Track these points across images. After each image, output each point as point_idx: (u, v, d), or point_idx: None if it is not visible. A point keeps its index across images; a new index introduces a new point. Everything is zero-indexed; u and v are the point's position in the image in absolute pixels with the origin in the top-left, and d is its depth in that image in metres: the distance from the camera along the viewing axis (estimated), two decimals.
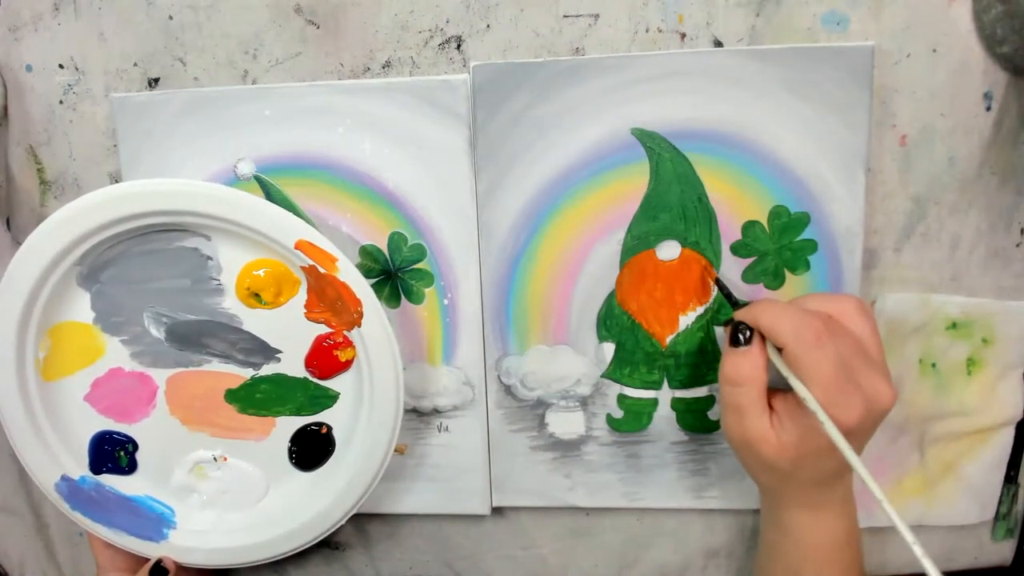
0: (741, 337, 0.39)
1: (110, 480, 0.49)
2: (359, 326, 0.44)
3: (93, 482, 0.49)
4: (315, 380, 0.47)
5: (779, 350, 0.38)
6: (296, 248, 0.43)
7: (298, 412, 0.48)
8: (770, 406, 0.39)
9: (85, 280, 0.46)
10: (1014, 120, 0.45)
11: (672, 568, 0.53)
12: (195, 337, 0.47)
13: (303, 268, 0.44)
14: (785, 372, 0.38)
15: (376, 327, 0.44)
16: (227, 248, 0.45)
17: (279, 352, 0.47)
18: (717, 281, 0.45)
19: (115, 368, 0.48)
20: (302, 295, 0.46)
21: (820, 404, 0.36)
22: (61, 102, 0.48)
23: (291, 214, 0.43)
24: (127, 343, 0.48)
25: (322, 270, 0.43)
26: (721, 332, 0.47)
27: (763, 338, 0.39)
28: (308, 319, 0.46)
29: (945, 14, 0.42)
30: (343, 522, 0.48)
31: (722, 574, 0.53)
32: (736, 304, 0.43)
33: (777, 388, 0.39)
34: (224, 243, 0.45)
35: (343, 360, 0.47)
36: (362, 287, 0.44)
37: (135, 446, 0.49)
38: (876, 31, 0.43)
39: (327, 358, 0.47)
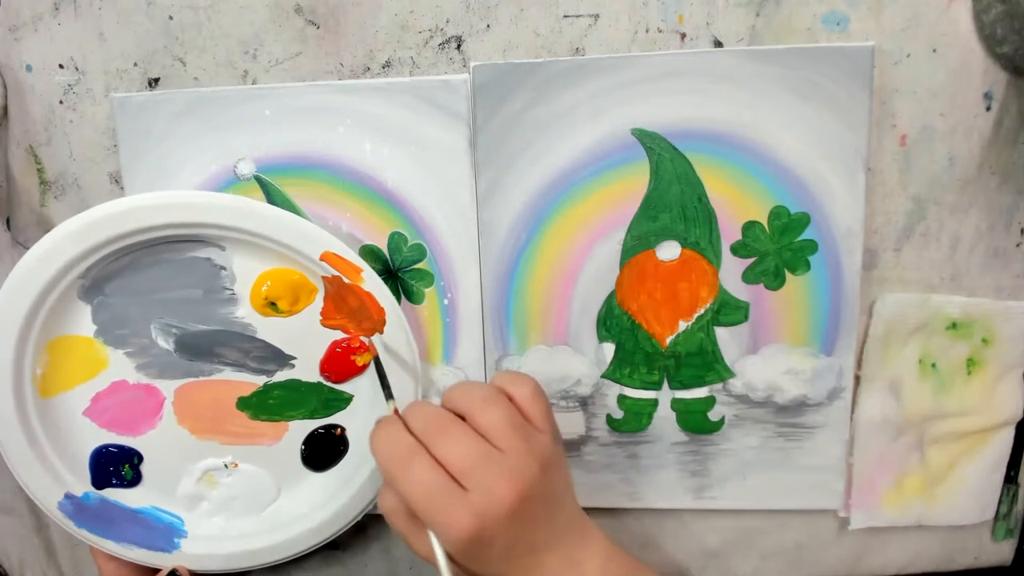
0: None
1: (115, 494, 0.49)
2: (381, 332, 0.44)
3: (97, 498, 0.48)
4: (329, 384, 0.47)
5: None
6: (322, 259, 0.43)
7: (311, 415, 0.48)
8: None
9: (86, 293, 0.45)
10: (1014, 120, 0.45)
11: (672, 568, 0.53)
12: (206, 347, 0.47)
13: (324, 278, 0.44)
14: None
15: (398, 334, 0.44)
16: (241, 258, 0.45)
17: (293, 358, 0.47)
18: (376, 362, 0.44)
19: (118, 381, 0.47)
20: (318, 303, 0.46)
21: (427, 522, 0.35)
22: (61, 102, 0.48)
23: (316, 226, 0.43)
24: (132, 355, 0.47)
25: (346, 280, 0.43)
26: (722, 333, 0.47)
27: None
28: (323, 326, 0.46)
29: (945, 14, 0.42)
30: (358, 520, 0.48)
31: (722, 574, 0.53)
32: (388, 396, 0.42)
33: None
34: (239, 253, 0.45)
35: (360, 364, 0.47)
36: (386, 296, 0.44)
37: (140, 458, 0.49)
38: (876, 31, 0.43)
39: (343, 363, 0.47)
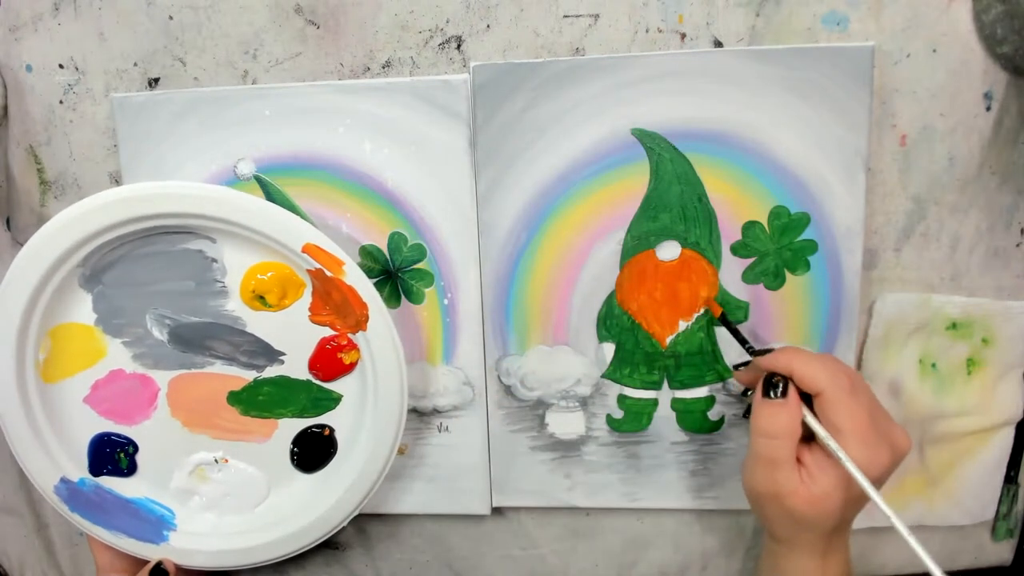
0: (776, 388, 0.39)
1: (110, 482, 0.49)
2: (364, 329, 0.44)
3: (93, 484, 0.49)
4: (318, 382, 0.47)
5: (807, 402, 0.39)
6: (303, 251, 0.43)
7: (301, 414, 0.48)
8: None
9: (87, 282, 0.46)
10: (1014, 120, 0.45)
11: (672, 568, 0.53)
12: (198, 339, 0.47)
13: (309, 271, 0.44)
14: (815, 426, 0.38)
15: (382, 330, 0.44)
16: (232, 251, 0.45)
17: (282, 354, 0.47)
18: (723, 319, 0.45)
19: (116, 370, 0.48)
20: (306, 298, 0.46)
21: (855, 454, 0.36)
22: (61, 102, 0.48)
23: (298, 217, 0.43)
24: (129, 345, 0.47)
25: (329, 273, 0.43)
26: (722, 332, 0.47)
27: (796, 390, 0.39)
28: (312, 322, 0.46)
29: (945, 14, 0.42)
30: (345, 524, 0.48)
31: (722, 574, 0.53)
32: (751, 349, 0.44)
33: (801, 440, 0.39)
34: (229, 246, 0.45)
35: (347, 363, 0.47)
36: (368, 290, 0.44)
37: (135, 448, 0.49)
38: (876, 31, 0.43)
39: (331, 361, 0.47)
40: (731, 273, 0.46)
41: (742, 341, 0.45)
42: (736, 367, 0.46)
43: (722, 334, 0.47)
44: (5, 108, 0.49)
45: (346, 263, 0.43)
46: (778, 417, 0.39)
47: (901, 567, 0.52)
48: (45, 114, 0.48)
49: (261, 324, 0.47)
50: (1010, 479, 0.51)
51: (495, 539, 0.54)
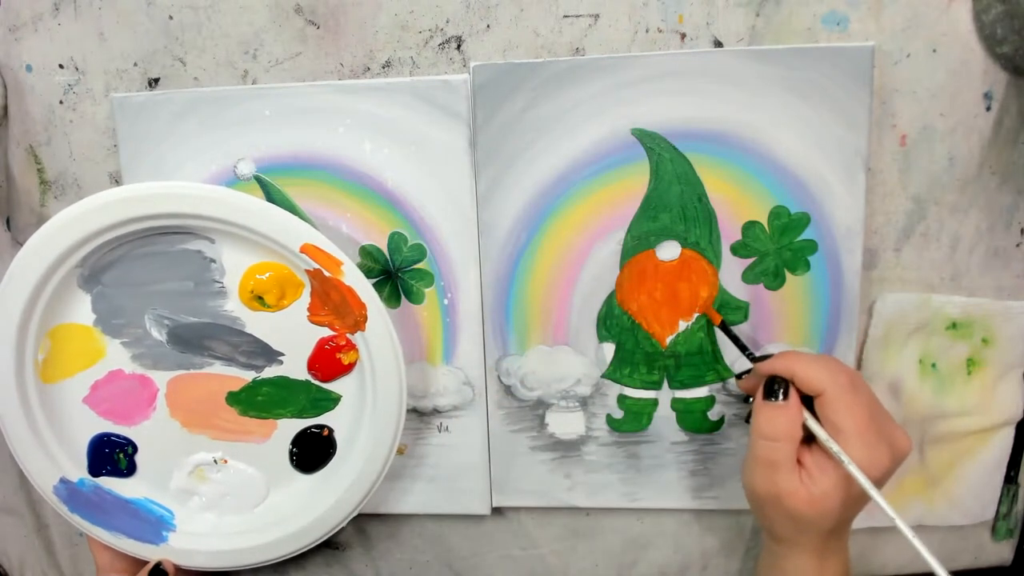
0: (777, 391, 0.39)
1: (109, 483, 0.49)
2: (363, 330, 0.44)
3: (92, 484, 0.49)
4: (317, 383, 0.47)
5: (808, 404, 0.39)
6: (301, 251, 0.43)
7: (300, 414, 0.48)
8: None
9: (86, 282, 0.46)
10: (1014, 120, 0.45)
11: (672, 568, 0.53)
12: (197, 340, 0.47)
13: (308, 271, 0.44)
14: (816, 430, 0.38)
15: (380, 330, 0.44)
16: (230, 251, 0.45)
17: (281, 355, 0.47)
18: (723, 326, 0.45)
19: (115, 370, 0.48)
20: (305, 298, 0.46)
21: (855, 454, 0.37)
22: (61, 102, 0.48)
23: (297, 218, 0.43)
24: (128, 345, 0.47)
25: (327, 274, 0.43)
26: (722, 332, 0.47)
27: (798, 393, 0.39)
28: (311, 322, 0.46)
29: (945, 14, 0.42)
30: (344, 524, 0.48)
31: (722, 574, 0.53)
32: (751, 355, 0.44)
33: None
34: (228, 246, 0.45)
35: (346, 363, 0.47)
36: (367, 290, 0.44)
37: (134, 448, 0.49)
38: (876, 31, 0.43)
39: (330, 361, 0.47)
40: (731, 273, 0.46)
41: (742, 348, 0.45)
42: (739, 376, 0.46)
43: (723, 334, 0.47)
44: (5, 108, 0.49)
45: (344, 263, 0.43)
46: (778, 420, 0.39)
47: (901, 567, 0.52)
48: (45, 114, 0.48)
49: (260, 324, 0.47)
50: (1010, 479, 0.51)
51: (495, 539, 0.54)
